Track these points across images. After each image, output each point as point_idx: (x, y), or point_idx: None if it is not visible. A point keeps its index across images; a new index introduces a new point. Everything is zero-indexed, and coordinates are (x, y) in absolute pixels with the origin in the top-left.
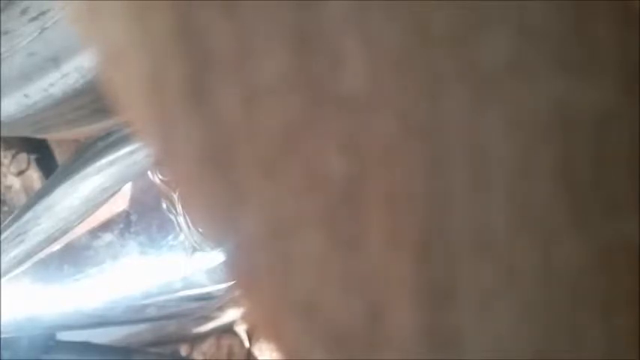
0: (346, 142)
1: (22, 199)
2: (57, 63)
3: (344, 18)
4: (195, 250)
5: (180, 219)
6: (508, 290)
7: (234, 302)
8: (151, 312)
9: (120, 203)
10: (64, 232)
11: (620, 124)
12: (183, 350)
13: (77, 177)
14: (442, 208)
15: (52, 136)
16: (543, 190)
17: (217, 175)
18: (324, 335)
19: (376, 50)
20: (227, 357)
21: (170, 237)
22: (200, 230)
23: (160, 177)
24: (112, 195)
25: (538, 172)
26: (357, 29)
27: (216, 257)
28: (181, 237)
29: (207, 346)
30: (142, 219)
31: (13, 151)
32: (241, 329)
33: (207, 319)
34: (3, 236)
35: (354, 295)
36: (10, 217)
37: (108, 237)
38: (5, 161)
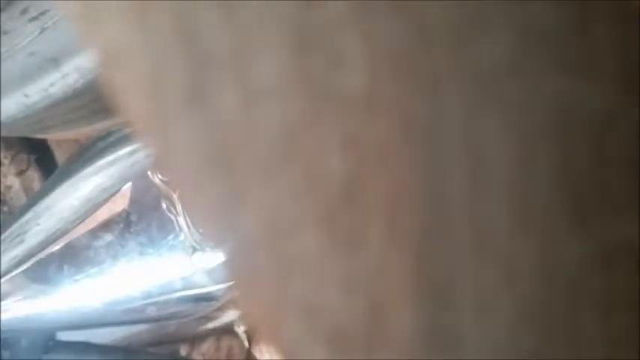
0: (346, 142)
1: (22, 199)
2: (57, 63)
3: (344, 18)
4: (195, 250)
5: (180, 219)
6: (507, 290)
7: (234, 302)
8: (151, 312)
9: (120, 203)
10: (64, 232)
11: (620, 124)
12: (183, 350)
13: (77, 177)
14: (441, 208)
15: (52, 136)
16: (543, 190)
17: (217, 175)
18: (324, 335)
19: (376, 50)
20: (226, 357)
21: (170, 237)
22: (200, 230)
23: (160, 177)
24: (112, 195)
25: (538, 172)
26: (357, 29)
27: (216, 257)
28: (181, 237)
29: (206, 347)
30: (142, 219)
31: (13, 152)
32: (241, 330)
33: (207, 319)
34: (3, 236)
35: (354, 296)
36: (10, 217)
37: (108, 237)
38: (5, 161)
